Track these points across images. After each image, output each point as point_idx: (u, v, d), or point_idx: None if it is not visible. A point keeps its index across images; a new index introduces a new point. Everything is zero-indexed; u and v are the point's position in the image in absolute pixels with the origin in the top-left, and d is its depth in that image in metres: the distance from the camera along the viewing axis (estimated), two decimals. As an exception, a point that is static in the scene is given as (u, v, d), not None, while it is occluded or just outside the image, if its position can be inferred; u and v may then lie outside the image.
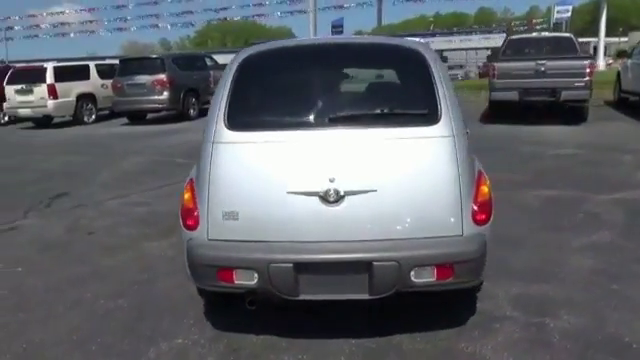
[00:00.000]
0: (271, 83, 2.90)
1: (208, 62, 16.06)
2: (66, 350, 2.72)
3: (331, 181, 2.43)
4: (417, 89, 2.73)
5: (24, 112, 14.94)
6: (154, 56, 14.45)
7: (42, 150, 9.99)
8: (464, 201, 2.49)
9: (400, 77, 2.95)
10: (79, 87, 15.02)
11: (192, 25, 38.41)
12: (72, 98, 14.83)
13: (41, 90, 14.48)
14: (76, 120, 15.01)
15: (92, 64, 16.05)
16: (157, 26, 41.96)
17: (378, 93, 2.78)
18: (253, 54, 2.90)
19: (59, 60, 18.19)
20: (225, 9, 44.73)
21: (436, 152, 2.53)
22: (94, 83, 15.32)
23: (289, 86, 2.89)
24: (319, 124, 2.59)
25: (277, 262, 2.39)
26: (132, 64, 14.69)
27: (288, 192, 2.46)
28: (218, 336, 2.79)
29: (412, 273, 2.38)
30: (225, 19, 44.99)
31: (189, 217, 2.59)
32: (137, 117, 14.52)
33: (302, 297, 2.47)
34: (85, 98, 15.13)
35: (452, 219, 2.47)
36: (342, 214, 2.45)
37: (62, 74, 14.76)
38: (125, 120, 14.46)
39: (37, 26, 42.95)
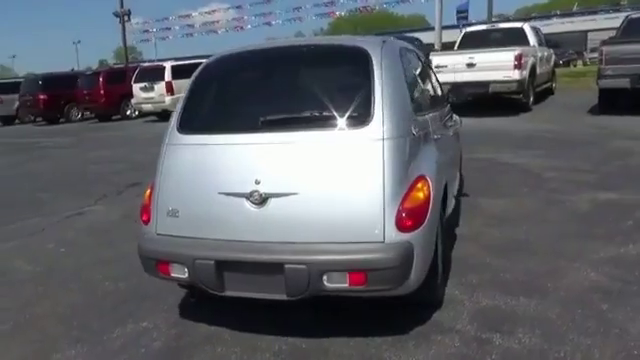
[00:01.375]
0: (218, 88, 3.05)
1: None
2: (52, 323, 3.12)
3: (257, 183, 2.51)
4: (353, 91, 2.67)
5: (147, 107, 16.68)
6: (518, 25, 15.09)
7: (145, 142, 11.08)
8: (388, 207, 2.41)
9: (340, 79, 2.90)
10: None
11: (327, 16, 38.97)
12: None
13: (160, 87, 16.07)
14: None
15: (206, 62, 17.35)
16: (299, 19, 43.29)
17: (314, 96, 2.76)
18: (212, 60, 3.06)
19: (207, 57, 19.78)
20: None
21: (359, 156, 2.48)
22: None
23: (232, 91, 3.01)
24: (252, 127, 2.66)
25: (201, 258, 2.53)
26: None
27: (219, 192, 2.58)
28: (178, 323, 3.00)
29: (324, 278, 2.38)
30: (365, 9, 44.70)
31: (144, 212, 2.83)
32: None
33: (227, 293, 2.58)
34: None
35: (372, 225, 2.40)
36: (265, 216, 2.51)
37: (179, 72, 16.14)
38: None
39: (191, 25, 46.75)
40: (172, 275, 2.66)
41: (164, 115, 16.20)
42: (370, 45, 2.80)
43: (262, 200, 2.50)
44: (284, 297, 2.47)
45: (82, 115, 20.12)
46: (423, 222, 2.47)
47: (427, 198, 2.52)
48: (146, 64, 21.79)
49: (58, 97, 19.38)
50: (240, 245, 2.53)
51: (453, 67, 11.18)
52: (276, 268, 2.42)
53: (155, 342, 2.82)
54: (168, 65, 16.33)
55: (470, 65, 11.01)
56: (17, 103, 20.65)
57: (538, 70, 12.10)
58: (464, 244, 3.90)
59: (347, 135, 2.51)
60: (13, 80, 24.18)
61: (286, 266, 2.39)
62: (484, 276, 3.30)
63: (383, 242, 2.40)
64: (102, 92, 17.91)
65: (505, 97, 11.79)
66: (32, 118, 21.56)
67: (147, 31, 45.36)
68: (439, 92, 4.20)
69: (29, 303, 3.44)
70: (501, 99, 11.94)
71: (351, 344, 2.63)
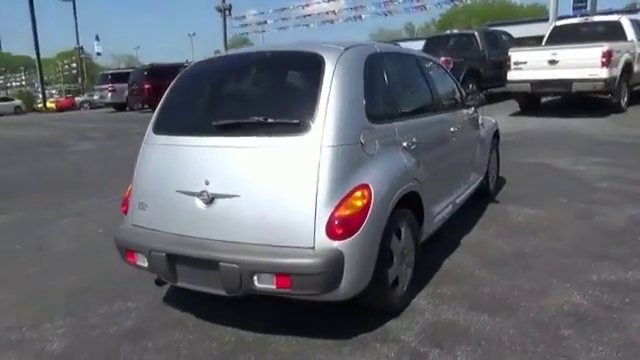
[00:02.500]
0: (187, 92, 3.24)
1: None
2: (57, 296, 3.53)
3: (206, 184, 2.67)
4: (301, 98, 2.72)
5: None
6: (470, 31, 15.22)
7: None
8: (320, 214, 2.45)
9: (293, 85, 2.93)
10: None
11: (416, 10, 37.79)
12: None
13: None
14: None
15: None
16: (390, 13, 42.65)
17: (265, 102, 2.84)
18: (190, 66, 3.26)
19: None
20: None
21: (296, 162, 2.54)
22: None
23: (197, 95, 3.18)
24: (206, 131, 2.81)
25: (155, 250, 2.75)
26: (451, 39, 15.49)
27: (176, 190, 2.78)
28: (157, 307, 3.24)
29: (255, 278, 2.48)
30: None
31: (124, 204, 3.12)
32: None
33: (179, 284, 2.78)
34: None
35: (303, 231, 2.46)
36: (211, 215, 2.66)
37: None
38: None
39: (285, 19, 47.89)
40: (137, 263, 2.91)
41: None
42: (329, 52, 2.82)
43: (210, 200, 2.65)
44: (223, 293, 2.61)
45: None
46: (356, 231, 2.47)
47: (364, 207, 2.52)
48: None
49: (161, 86, 20.84)
50: (187, 240, 2.70)
51: (533, 64, 10.54)
52: (214, 265, 2.56)
53: (128, 322, 3.09)
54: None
55: (552, 62, 10.29)
56: (126, 92, 22.63)
57: (635, 68, 11.00)
58: (461, 253, 3.79)
59: (288, 141, 2.58)
60: (124, 70, 26.49)
61: (221, 264, 2.52)
62: (461, 288, 3.21)
63: (313, 248, 2.45)
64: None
65: (597, 97, 10.94)
66: (140, 106, 23.50)
67: (246, 25, 46.75)
68: (446, 97, 4.07)
69: (49, 275, 3.91)
70: (595, 99, 11.07)
71: (293, 343, 2.71)
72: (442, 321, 2.84)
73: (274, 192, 2.55)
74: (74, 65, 51.86)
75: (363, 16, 44.76)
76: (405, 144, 3.06)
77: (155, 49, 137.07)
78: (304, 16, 50.53)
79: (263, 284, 2.48)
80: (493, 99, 13.74)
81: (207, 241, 2.64)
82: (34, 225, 5.27)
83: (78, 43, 40.79)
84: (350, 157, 2.59)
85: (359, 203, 2.51)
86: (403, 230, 2.97)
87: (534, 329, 2.68)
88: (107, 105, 25.65)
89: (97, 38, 48.40)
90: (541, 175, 6.10)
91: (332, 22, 44.64)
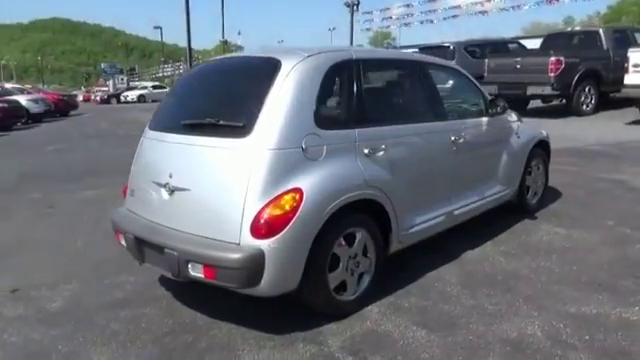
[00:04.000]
0: (173, 94, 3.59)
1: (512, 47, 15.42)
2: (87, 265, 4.11)
3: (170, 177, 2.97)
4: (252, 101, 2.85)
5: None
6: (446, 44, 14.80)
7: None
8: (247, 213, 2.62)
9: (249, 90, 3.01)
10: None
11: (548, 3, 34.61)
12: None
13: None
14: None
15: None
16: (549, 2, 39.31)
17: (222, 104, 3.00)
18: (189, 69, 3.57)
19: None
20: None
21: (234, 163, 2.73)
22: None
23: (178, 96, 3.49)
24: (176, 129, 3.10)
25: (127, 232, 3.13)
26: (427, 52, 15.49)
27: (151, 180, 3.13)
28: (148, 283, 3.59)
29: (189, 266, 2.73)
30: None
31: (124, 190, 3.55)
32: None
33: (146, 264, 3.13)
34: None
35: (231, 227, 2.65)
36: (170, 204, 2.96)
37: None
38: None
39: (432, 11, 46.59)
40: (121, 242, 3.32)
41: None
42: (288, 58, 2.94)
43: (171, 191, 2.95)
44: (170, 275, 2.90)
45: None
46: (279, 232, 2.59)
47: (292, 210, 2.62)
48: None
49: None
50: (152, 226, 3.03)
51: None
52: (161, 250, 2.86)
53: (120, 294, 3.51)
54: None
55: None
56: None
57: None
58: (452, 267, 3.68)
59: (232, 142, 2.76)
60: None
61: (165, 250, 2.81)
62: (423, 302, 3.15)
63: (238, 244, 2.62)
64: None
65: None
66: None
67: (371, 21, 46.14)
68: (451, 104, 3.92)
69: (103, 248, 4.54)
70: None
71: (233, 332, 2.91)
72: (378, 331, 2.84)
73: (215, 188, 2.77)
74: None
75: (523, 6, 41.20)
76: (367, 151, 3.06)
77: (298, 42, 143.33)
78: (453, 7, 48.74)
79: (195, 272, 2.72)
80: (616, 105, 12.43)
81: (163, 228, 2.95)
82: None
83: (223, 37, 44.15)
84: (287, 161, 2.71)
85: (287, 206, 2.62)
86: (358, 237, 3.01)
87: (461, 352, 2.59)
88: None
89: (239, 33, 51.90)
90: (607, 193, 5.52)
91: (485, 13, 41.87)
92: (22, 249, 4.56)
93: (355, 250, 3.02)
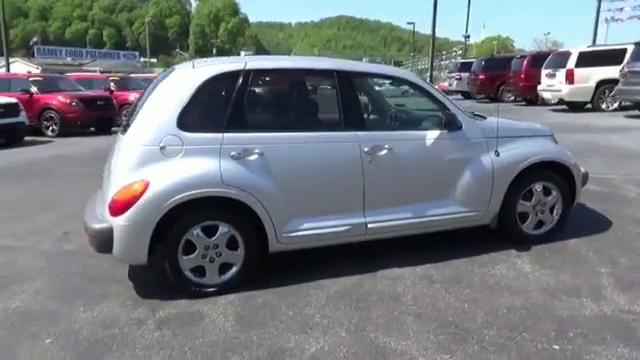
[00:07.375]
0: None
1: None
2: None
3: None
4: (141, 106, 3.51)
5: (546, 95, 16.17)
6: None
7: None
8: (110, 194, 3.32)
9: (154, 95, 3.54)
10: (602, 73, 14.65)
11: None
12: (591, 84, 14.79)
13: (561, 74, 15.24)
14: (592, 106, 14.99)
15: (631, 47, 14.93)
16: None
17: (139, 109, 3.56)
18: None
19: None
20: None
21: (118, 155, 3.46)
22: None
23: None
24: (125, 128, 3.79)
25: None
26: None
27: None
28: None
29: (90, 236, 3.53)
30: None
31: None
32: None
33: None
34: (607, 84, 14.64)
35: (105, 205, 3.38)
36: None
37: (588, 59, 14.83)
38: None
39: None
40: None
41: (574, 105, 15.40)
42: (179, 69, 3.60)
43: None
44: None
45: (515, 98, 20.98)
46: (123, 213, 3.21)
47: (135, 197, 3.19)
48: (562, 49, 19.71)
49: (494, 78, 20.96)
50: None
51: None
52: None
53: (105, 265, 4.33)
54: (575, 51, 15.07)
55: None
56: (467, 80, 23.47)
57: None
58: (328, 283, 3.66)
59: (123, 139, 3.51)
60: (472, 60, 26.80)
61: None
62: (274, 304, 3.37)
63: (103, 219, 3.38)
64: (522, 76, 18.31)
65: None
66: (480, 95, 23.76)
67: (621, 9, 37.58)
68: (373, 114, 3.85)
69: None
70: None
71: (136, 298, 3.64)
72: (193, 313, 3.26)
73: (112, 175, 3.44)
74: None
75: None
76: (234, 154, 3.37)
77: (566, 34, 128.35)
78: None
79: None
80: None
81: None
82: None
83: (466, 31, 43.16)
84: (144, 156, 3.29)
85: (130, 193, 3.22)
86: (221, 230, 3.42)
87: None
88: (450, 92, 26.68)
89: (484, 26, 49.62)
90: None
91: None
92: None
93: (215, 241, 3.41)
